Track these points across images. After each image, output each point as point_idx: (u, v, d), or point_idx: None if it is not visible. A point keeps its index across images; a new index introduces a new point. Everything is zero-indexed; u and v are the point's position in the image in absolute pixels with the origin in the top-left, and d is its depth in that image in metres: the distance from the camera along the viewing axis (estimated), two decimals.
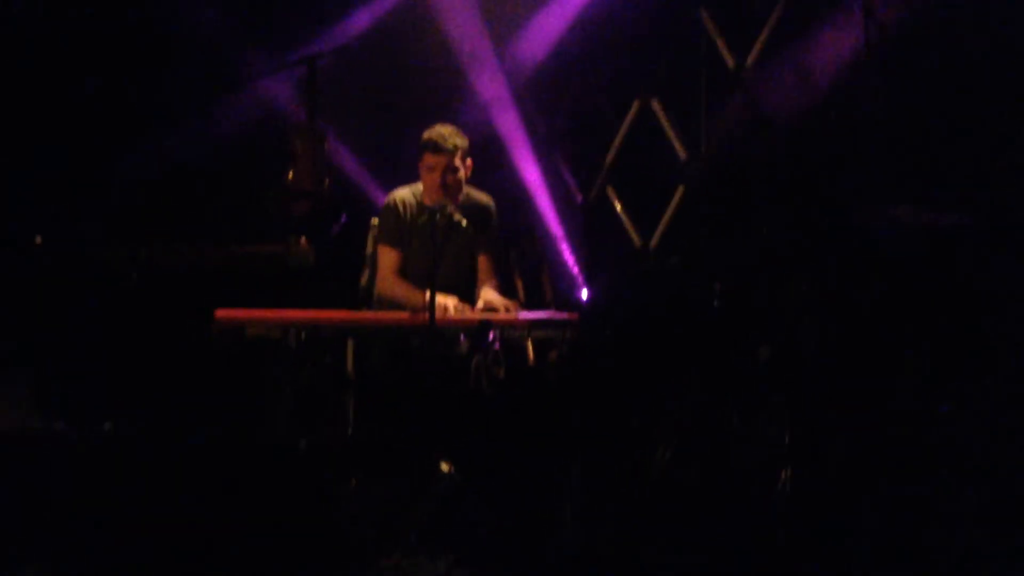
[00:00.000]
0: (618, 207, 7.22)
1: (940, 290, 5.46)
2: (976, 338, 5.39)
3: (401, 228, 5.64)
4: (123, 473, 4.63)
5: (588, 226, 7.29)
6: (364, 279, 5.80)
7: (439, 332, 5.22)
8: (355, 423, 5.41)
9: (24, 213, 6.20)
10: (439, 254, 5.29)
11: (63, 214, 6.31)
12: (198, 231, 6.23)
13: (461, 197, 5.62)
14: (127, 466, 4.67)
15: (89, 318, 5.98)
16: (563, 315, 5.58)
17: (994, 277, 5.43)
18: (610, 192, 7.26)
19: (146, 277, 5.94)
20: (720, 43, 6.71)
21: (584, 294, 7.02)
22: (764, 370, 5.71)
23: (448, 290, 5.47)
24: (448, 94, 7.06)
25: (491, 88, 7.14)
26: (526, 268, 6.18)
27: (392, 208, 5.67)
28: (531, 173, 7.23)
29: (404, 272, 5.63)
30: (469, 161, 5.62)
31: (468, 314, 5.45)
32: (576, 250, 7.19)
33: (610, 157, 7.24)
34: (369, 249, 5.80)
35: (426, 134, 5.57)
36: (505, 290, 5.78)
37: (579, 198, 7.38)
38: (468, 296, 5.61)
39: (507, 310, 5.48)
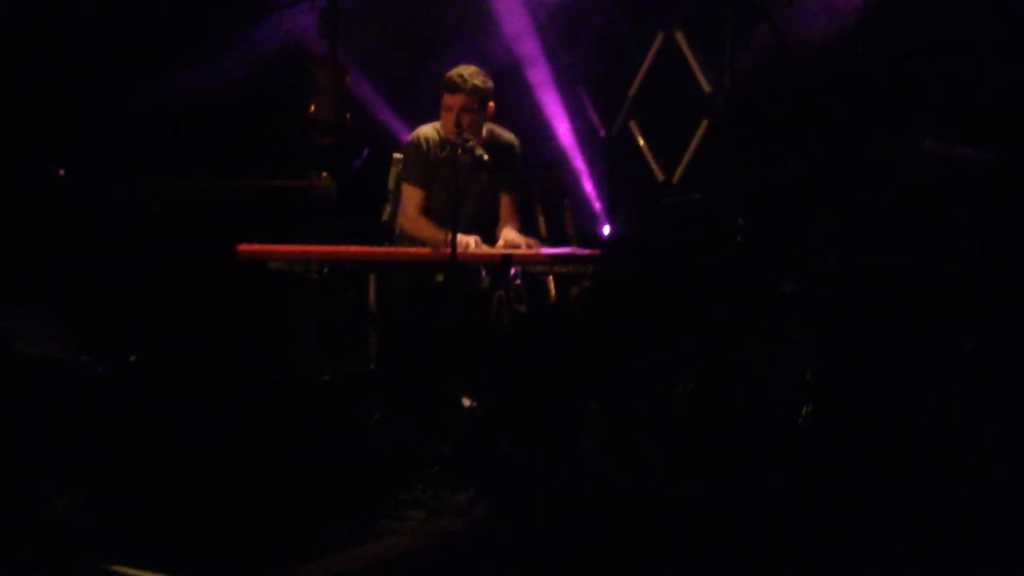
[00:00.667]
0: (641, 141, 7.16)
1: (966, 224, 5.42)
2: (1001, 273, 5.35)
3: (424, 166, 5.62)
4: (148, 405, 4.67)
5: (611, 160, 7.25)
6: (386, 214, 5.80)
7: (461, 267, 5.22)
8: (377, 357, 5.44)
9: (47, 146, 6.21)
10: (461, 185, 5.28)
11: (86, 147, 6.31)
12: (220, 164, 6.22)
13: (485, 134, 5.59)
14: (152, 398, 4.71)
15: (113, 251, 6.00)
16: (585, 251, 5.57)
17: (1018, 211, 5.38)
18: (633, 126, 7.21)
19: (169, 210, 5.95)
20: None
21: (606, 229, 7.00)
22: (787, 305, 5.70)
23: (471, 227, 5.47)
24: (471, 27, 7.00)
25: (514, 20, 7.06)
26: (548, 203, 6.16)
27: (415, 145, 5.65)
28: (553, 106, 7.18)
29: (429, 210, 5.63)
30: (491, 104, 5.57)
31: (489, 249, 5.45)
32: (598, 185, 7.16)
33: (633, 90, 7.17)
34: (391, 185, 5.79)
35: (447, 74, 5.53)
36: (527, 227, 5.77)
37: (602, 132, 7.33)
38: (490, 234, 5.61)
39: (528, 247, 5.47)
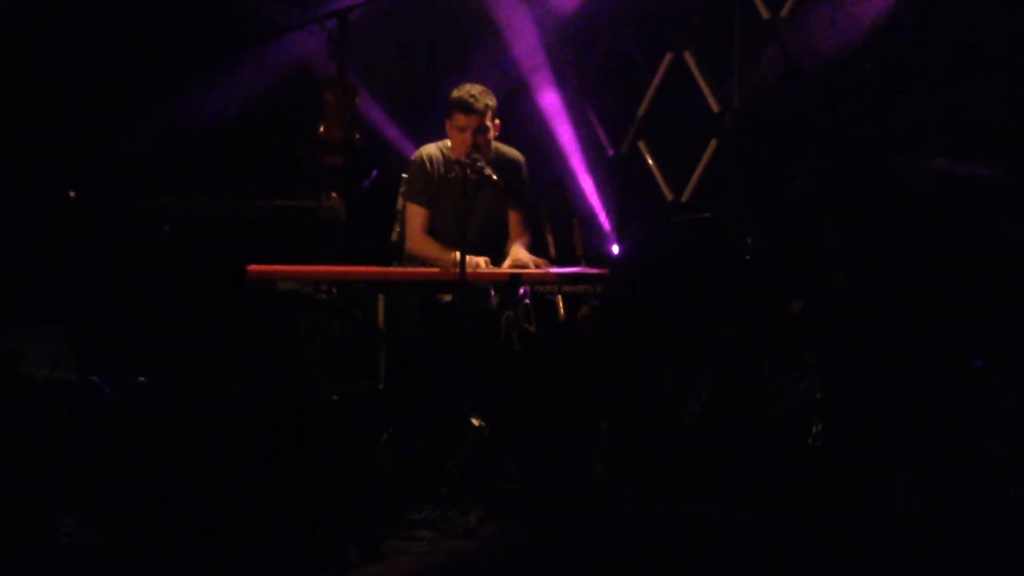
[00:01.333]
0: (650, 160, 7.17)
1: (974, 243, 5.41)
2: (1010, 292, 5.34)
3: (429, 185, 5.62)
4: (156, 425, 4.67)
5: (620, 180, 7.26)
6: (395, 234, 5.80)
7: (470, 287, 5.22)
8: (386, 377, 5.44)
9: (57, 167, 6.23)
10: (469, 207, 5.28)
11: (95, 168, 6.34)
12: (230, 185, 6.24)
13: (491, 153, 5.60)
14: (160, 418, 4.71)
15: (122, 271, 6.01)
16: (594, 270, 5.57)
17: None
18: (642, 145, 7.22)
19: (178, 231, 5.97)
20: None
21: (615, 249, 7.00)
22: (796, 324, 5.69)
23: (478, 245, 5.47)
24: (479, 48, 7.02)
25: (523, 41, 7.08)
26: (557, 222, 6.16)
27: (419, 165, 5.65)
28: (562, 126, 7.19)
29: (433, 229, 5.63)
30: (497, 121, 5.59)
31: (498, 269, 5.45)
32: (607, 204, 7.16)
33: (642, 110, 7.18)
34: (399, 204, 5.80)
35: (455, 93, 5.53)
36: (535, 245, 5.76)
37: (611, 151, 7.34)
38: (498, 252, 5.61)
39: (537, 267, 5.47)
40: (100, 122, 6.47)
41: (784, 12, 6.54)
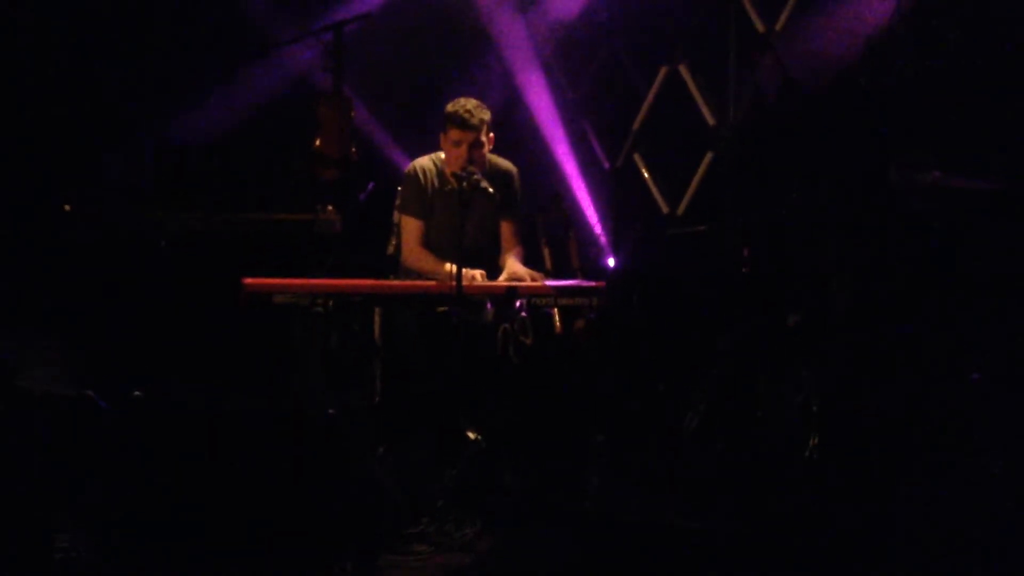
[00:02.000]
0: (645, 173, 7.19)
1: (970, 256, 5.42)
2: (1006, 305, 5.34)
3: (423, 197, 5.63)
4: (153, 439, 4.66)
5: (615, 193, 7.27)
6: (391, 247, 5.81)
7: (466, 300, 5.22)
8: (382, 390, 5.43)
9: (53, 182, 6.24)
10: (464, 219, 5.28)
11: (92, 182, 6.34)
12: (226, 199, 6.24)
13: (485, 166, 5.60)
14: (157, 432, 4.70)
15: (119, 285, 6.01)
16: (590, 283, 5.57)
17: (1020, 242, 5.39)
18: (637, 158, 7.23)
19: (174, 244, 5.97)
20: (749, 7, 6.64)
21: (611, 261, 7.00)
22: (793, 337, 5.69)
23: (473, 257, 5.47)
24: (474, 61, 7.03)
25: (518, 54, 7.10)
26: (553, 235, 6.17)
27: (413, 177, 5.65)
28: (558, 139, 7.20)
29: (428, 241, 5.63)
30: (492, 134, 5.59)
31: (494, 283, 5.45)
32: (603, 217, 7.17)
33: (637, 123, 7.20)
34: (395, 217, 5.80)
35: (451, 107, 5.53)
36: (531, 258, 5.77)
37: (606, 164, 7.35)
38: (493, 264, 5.61)
39: (532, 280, 5.47)
40: (97, 136, 6.48)
41: (779, 26, 6.57)
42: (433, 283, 5.39)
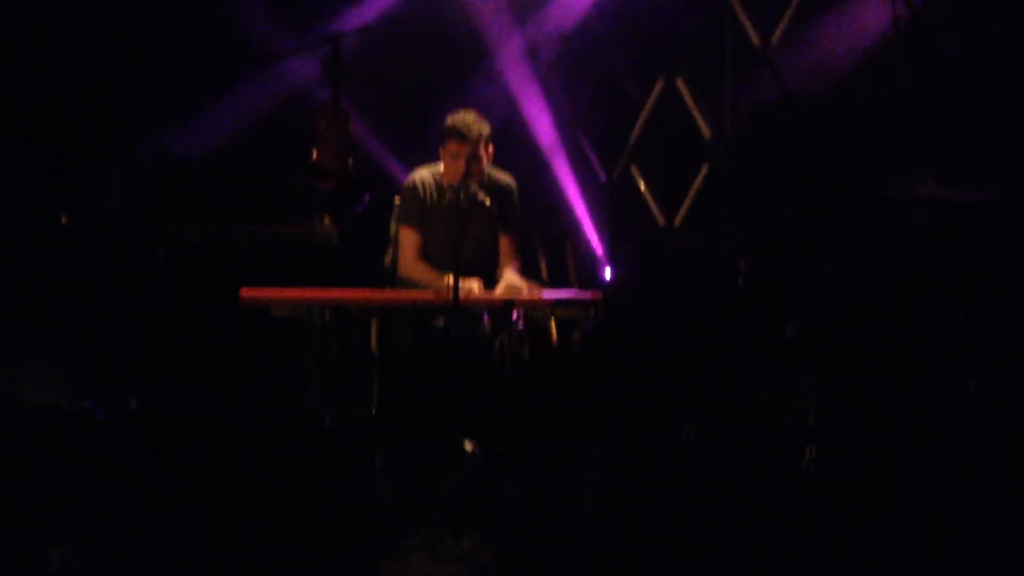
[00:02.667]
0: (642, 185, 7.20)
1: (966, 266, 5.43)
2: (1002, 315, 5.36)
3: (421, 209, 5.64)
4: (150, 451, 4.66)
5: (612, 205, 7.28)
6: (388, 259, 5.81)
7: (463, 311, 5.22)
8: (379, 402, 5.43)
9: (49, 193, 6.24)
10: (462, 232, 5.29)
11: (88, 194, 6.34)
12: (223, 210, 6.25)
13: (483, 178, 5.61)
14: (154, 444, 4.70)
15: (116, 297, 6.01)
16: (587, 294, 5.58)
17: (1017, 253, 5.40)
18: (634, 170, 7.24)
19: (172, 256, 5.97)
20: (745, 20, 6.67)
21: (608, 273, 7.01)
22: (790, 348, 5.70)
23: (471, 269, 5.47)
24: (472, 73, 7.05)
25: (515, 66, 7.12)
26: (550, 247, 6.18)
27: (412, 189, 5.67)
28: (555, 151, 7.21)
29: (426, 253, 5.64)
30: (490, 147, 5.60)
31: (491, 294, 5.46)
32: (600, 229, 7.18)
33: (634, 135, 7.22)
34: (393, 230, 5.81)
35: (450, 120, 5.54)
36: (528, 269, 5.77)
37: (603, 176, 7.37)
38: (490, 276, 5.62)
39: (529, 291, 5.48)
40: (96, 146, 6.49)
41: (775, 39, 6.59)
42: (430, 294, 5.40)
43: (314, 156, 6.34)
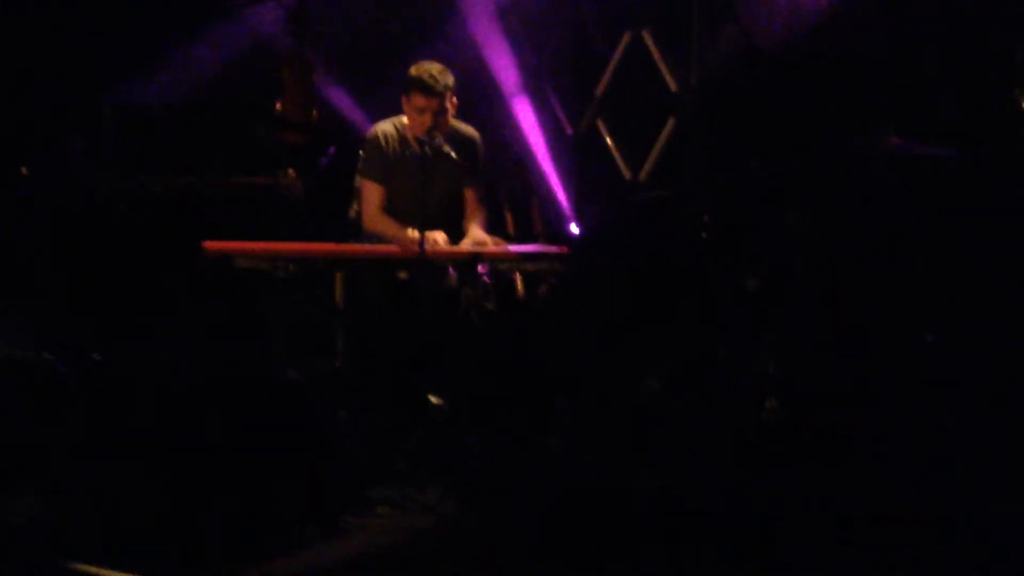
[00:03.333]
0: (608, 140, 7.19)
1: (926, 220, 5.48)
2: (960, 268, 5.41)
3: (384, 162, 5.61)
4: (111, 403, 4.64)
5: (578, 159, 7.27)
6: (352, 212, 5.79)
7: (429, 264, 5.22)
8: (345, 355, 5.43)
9: (10, 145, 6.16)
10: (426, 183, 5.27)
11: (51, 145, 6.27)
12: (187, 162, 6.20)
13: (448, 130, 5.58)
14: (116, 396, 4.68)
15: (78, 249, 5.96)
16: (553, 248, 5.58)
17: (977, 207, 5.45)
18: (600, 124, 7.23)
19: (134, 208, 5.92)
20: None
21: (574, 227, 7.02)
22: (751, 301, 5.74)
23: (436, 222, 5.46)
24: (437, 24, 6.99)
25: (480, 19, 7.07)
26: (516, 201, 6.17)
27: (374, 142, 5.63)
28: (521, 105, 7.19)
29: (390, 205, 5.62)
30: (455, 98, 5.57)
31: (457, 247, 5.45)
32: (566, 183, 7.17)
33: (600, 89, 7.19)
34: (357, 182, 5.78)
35: (414, 72, 5.48)
36: (494, 223, 5.77)
37: (569, 130, 7.35)
38: (456, 228, 5.61)
39: (495, 246, 5.47)
40: (55, 97, 6.40)
41: None
42: (396, 248, 5.38)
43: (278, 107, 6.29)
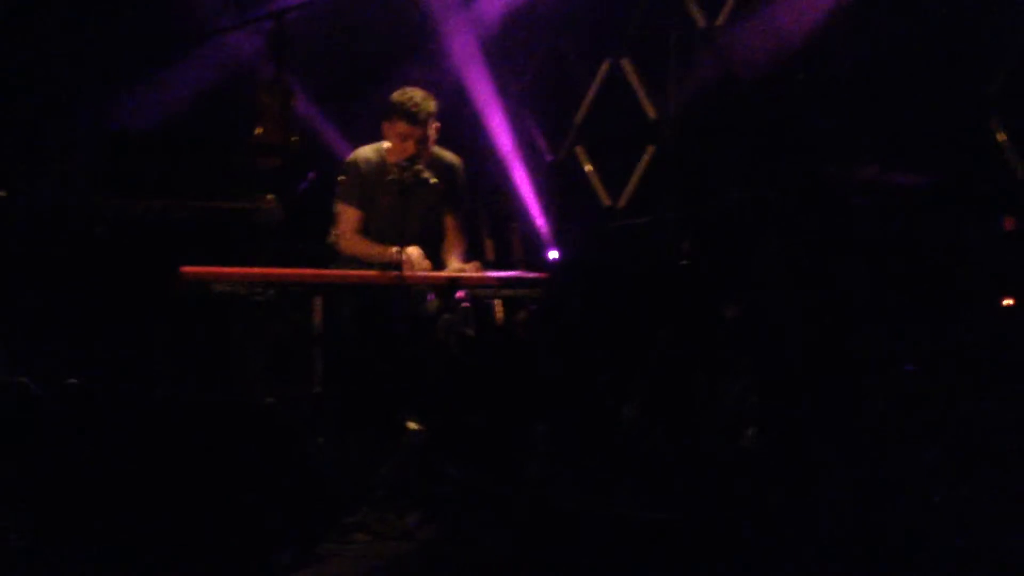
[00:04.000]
0: (587, 167, 7.21)
1: (905, 249, 5.51)
2: (939, 296, 5.44)
3: (364, 187, 5.61)
4: (87, 427, 4.60)
5: (557, 185, 7.29)
6: (332, 236, 5.78)
7: (407, 289, 5.21)
8: (323, 380, 5.40)
9: None
10: (406, 210, 5.27)
11: (29, 168, 6.24)
12: (164, 186, 6.17)
13: (428, 156, 5.58)
14: (91, 420, 4.64)
15: (54, 273, 5.92)
16: (532, 274, 5.59)
17: (955, 236, 5.49)
18: (579, 151, 7.26)
19: (111, 232, 5.89)
20: (690, 2, 6.69)
21: (553, 253, 7.03)
22: (730, 329, 5.75)
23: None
24: (417, 51, 7.01)
25: (461, 46, 7.09)
26: (495, 227, 6.17)
27: (353, 166, 5.63)
28: (501, 132, 7.21)
29: (368, 231, 5.62)
30: (437, 124, 5.58)
31: (436, 273, 5.45)
32: (545, 209, 7.19)
33: (580, 116, 7.23)
34: (335, 207, 5.77)
35: (398, 97, 5.48)
36: (473, 249, 5.77)
37: (548, 157, 7.37)
38: (435, 255, 5.60)
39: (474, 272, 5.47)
40: (33, 121, 6.38)
41: (720, 21, 6.62)
42: (375, 273, 5.37)
43: (257, 132, 6.28)
